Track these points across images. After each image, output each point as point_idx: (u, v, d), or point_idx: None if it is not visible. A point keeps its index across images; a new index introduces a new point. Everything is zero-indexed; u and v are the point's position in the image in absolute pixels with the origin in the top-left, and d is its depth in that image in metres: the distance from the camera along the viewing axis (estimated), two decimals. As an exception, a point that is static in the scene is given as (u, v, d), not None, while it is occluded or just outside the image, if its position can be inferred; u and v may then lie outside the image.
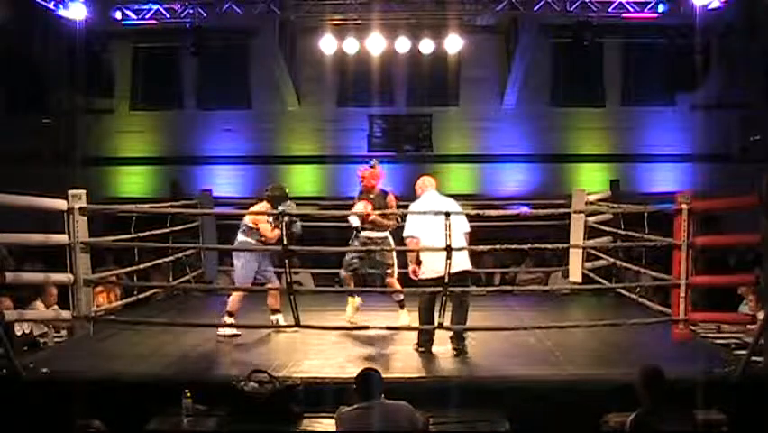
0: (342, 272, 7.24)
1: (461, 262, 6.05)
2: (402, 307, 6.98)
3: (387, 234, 7.06)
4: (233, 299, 6.82)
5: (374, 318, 7.01)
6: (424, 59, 12.59)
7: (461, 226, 6.10)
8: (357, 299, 7.30)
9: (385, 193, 7.13)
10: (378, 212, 6.85)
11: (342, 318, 7.12)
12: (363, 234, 7.04)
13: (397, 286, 7.01)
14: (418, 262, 6.12)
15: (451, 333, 6.11)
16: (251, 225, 6.90)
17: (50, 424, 4.37)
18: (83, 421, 4.09)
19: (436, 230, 5.90)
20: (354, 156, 13.63)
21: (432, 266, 6.03)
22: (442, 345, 6.24)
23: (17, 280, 6.21)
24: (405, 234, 6.18)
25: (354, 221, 6.98)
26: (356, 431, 4.28)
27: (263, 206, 7.00)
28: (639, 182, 13.19)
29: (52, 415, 4.62)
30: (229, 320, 6.73)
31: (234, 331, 6.68)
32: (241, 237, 7.01)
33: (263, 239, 6.88)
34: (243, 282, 6.95)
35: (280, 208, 6.51)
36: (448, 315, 6.05)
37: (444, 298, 5.90)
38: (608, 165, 13.35)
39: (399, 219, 6.76)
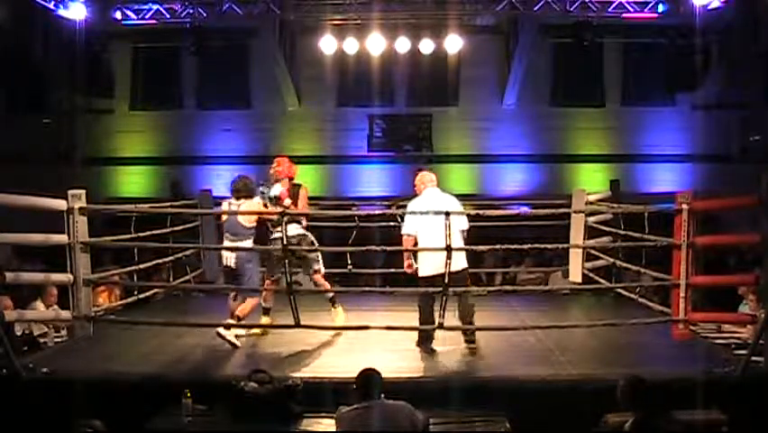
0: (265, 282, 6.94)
1: (458, 261, 6.05)
2: (334, 304, 7.02)
3: (303, 230, 6.88)
4: (252, 305, 6.55)
5: (374, 318, 7.00)
6: (424, 59, 12.59)
7: (459, 224, 6.12)
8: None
9: (298, 186, 6.98)
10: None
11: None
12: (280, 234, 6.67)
13: (326, 284, 7.05)
14: (414, 258, 6.17)
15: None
16: (248, 225, 6.57)
17: (50, 424, 4.37)
18: (83, 421, 4.09)
19: (434, 228, 5.93)
20: (354, 156, 13.68)
21: (428, 264, 6.07)
22: (443, 345, 6.25)
23: (17, 280, 6.20)
24: (402, 232, 6.20)
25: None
26: (356, 431, 4.28)
27: (256, 203, 6.71)
28: (639, 182, 13.20)
29: (52, 415, 4.62)
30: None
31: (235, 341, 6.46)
32: (249, 243, 6.60)
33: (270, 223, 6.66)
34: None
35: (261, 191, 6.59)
36: (448, 314, 6.05)
37: (444, 297, 5.89)
38: (608, 165, 13.36)
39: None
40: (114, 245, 7.71)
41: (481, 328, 6.43)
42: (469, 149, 13.78)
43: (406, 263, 6.31)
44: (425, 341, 6.23)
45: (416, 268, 6.25)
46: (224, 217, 6.73)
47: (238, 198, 6.65)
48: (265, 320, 6.88)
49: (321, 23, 12.34)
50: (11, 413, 4.87)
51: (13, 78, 13.10)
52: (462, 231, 6.20)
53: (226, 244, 6.66)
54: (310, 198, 7.46)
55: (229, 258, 6.58)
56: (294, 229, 6.75)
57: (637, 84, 13.58)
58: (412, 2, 11.87)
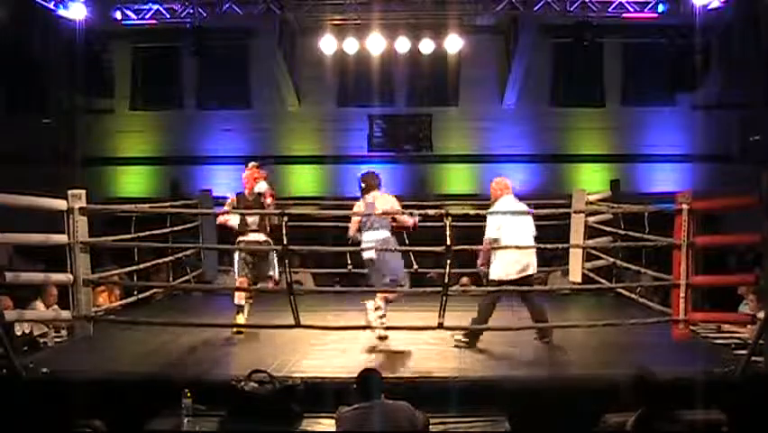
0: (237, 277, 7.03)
1: (534, 265, 6.41)
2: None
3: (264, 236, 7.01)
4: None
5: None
6: (424, 59, 12.59)
7: (533, 230, 6.49)
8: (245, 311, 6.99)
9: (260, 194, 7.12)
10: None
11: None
12: (251, 237, 6.98)
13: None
14: (487, 263, 6.41)
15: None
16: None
17: (50, 424, 4.36)
18: (83, 421, 4.09)
19: (518, 232, 6.29)
20: (354, 156, 13.67)
21: (510, 267, 6.31)
22: (443, 345, 6.26)
23: (17, 280, 6.20)
24: (487, 236, 6.33)
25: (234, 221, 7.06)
26: (356, 431, 4.28)
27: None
28: (639, 182, 13.19)
29: (52, 415, 4.61)
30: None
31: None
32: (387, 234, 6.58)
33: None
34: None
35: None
36: (448, 314, 6.05)
37: (444, 297, 5.89)
38: (608, 165, 13.36)
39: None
40: (114, 245, 7.71)
41: (481, 328, 6.43)
42: (469, 149, 13.77)
43: (482, 265, 6.52)
44: (474, 338, 6.34)
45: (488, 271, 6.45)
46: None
47: (367, 193, 6.71)
48: (240, 319, 6.87)
49: (321, 22, 12.33)
50: (11, 413, 4.87)
51: (13, 78, 13.10)
52: (534, 237, 6.52)
53: (368, 238, 6.59)
54: (309, 198, 7.47)
55: (369, 252, 6.59)
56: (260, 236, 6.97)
57: (637, 84, 13.57)
58: (412, 2, 11.86)
